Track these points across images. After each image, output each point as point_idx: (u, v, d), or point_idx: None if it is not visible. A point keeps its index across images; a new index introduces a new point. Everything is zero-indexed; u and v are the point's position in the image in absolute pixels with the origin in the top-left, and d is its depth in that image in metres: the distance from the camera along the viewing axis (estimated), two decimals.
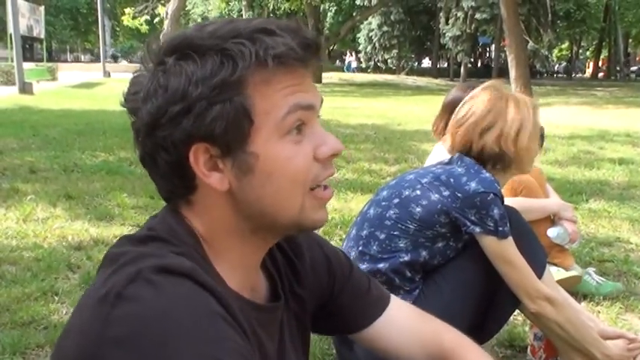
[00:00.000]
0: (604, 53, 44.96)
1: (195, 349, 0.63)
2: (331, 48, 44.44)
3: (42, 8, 21.03)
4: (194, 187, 0.77)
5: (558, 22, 35.24)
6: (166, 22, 13.85)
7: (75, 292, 2.52)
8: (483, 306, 1.73)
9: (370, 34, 38.54)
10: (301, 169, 0.77)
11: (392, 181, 1.91)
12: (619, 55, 38.89)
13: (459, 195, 1.68)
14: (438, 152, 2.59)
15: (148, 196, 4.03)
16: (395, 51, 39.26)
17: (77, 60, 54.00)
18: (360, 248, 1.76)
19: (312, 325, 1.02)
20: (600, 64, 45.23)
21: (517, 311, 1.83)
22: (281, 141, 0.75)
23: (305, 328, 0.98)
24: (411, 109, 13.56)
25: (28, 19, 18.68)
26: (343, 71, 36.74)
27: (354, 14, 31.85)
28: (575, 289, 2.59)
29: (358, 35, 40.26)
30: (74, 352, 0.67)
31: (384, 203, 1.79)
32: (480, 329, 1.68)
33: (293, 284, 0.95)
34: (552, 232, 2.58)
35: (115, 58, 48.43)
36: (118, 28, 47.31)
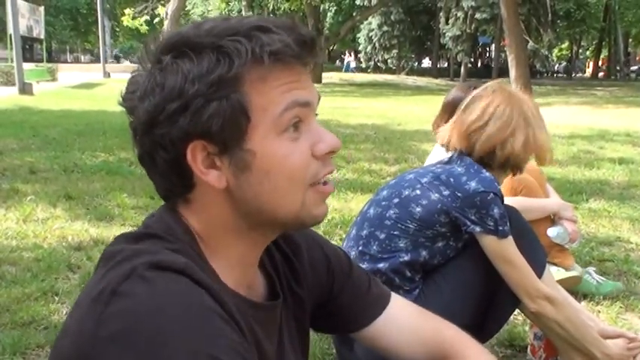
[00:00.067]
0: (604, 53, 44.95)
1: (190, 346, 0.63)
2: (331, 48, 44.44)
3: (42, 9, 21.03)
4: (192, 185, 0.78)
5: (558, 21, 35.24)
6: (166, 23, 13.83)
7: (75, 293, 2.52)
8: (483, 305, 1.74)
9: (370, 34, 38.54)
10: (298, 167, 0.77)
11: (392, 181, 1.92)
12: (619, 55, 38.87)
13: (459, 194, 1.68)
14: (438, 152, 2.59)
15: (147, 196, 4.03)
16: (395, 51, 39.26)
17: (77, 60, 54.08)
18: (360, 248, 1.76)
19: (313, 324, 1.01)
20: (600, 63, 45.21)
21: (517, 311, 1.83)
22: (278, 138, 0.75)
23: (304, 328, 0.98)
24: (411, 109, 13.55)
25: (27, 20, 18.67)
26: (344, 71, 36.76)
27: (354, 14, 31.83)
28: (575, 288, 2.59)
29: (358, 35, 40.26)
30: (70, 350, 0.68)
31: (384, 203, 1.79)
32: (480, 329, 1.68)
33: (291, 283, 0.95)
34: (552, 232, 2.58)
35: (117, 59, 48.39)
36: (117, 29, 47.32)
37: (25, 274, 2.71)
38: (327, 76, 27.38)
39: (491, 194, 1.66)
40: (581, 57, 54.42)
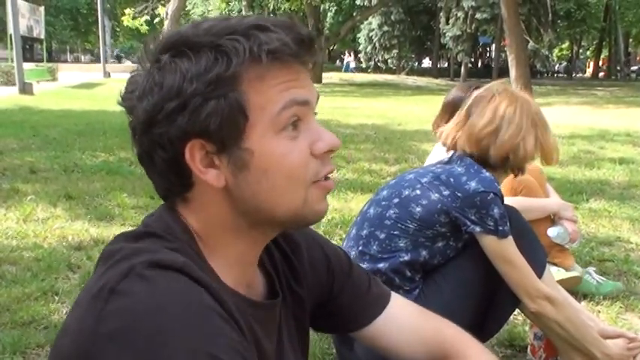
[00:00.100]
0: (604, 53, 44.93)
1: (189, 345, 0.63)
2: (331, 48, 44.43)
3: (42, 9, 21.02)
4: (191, 184, 0.78)
5: (559, 21, 35.22)
6: (166, 23, 13.83)
7: (75, 292, 2.52)
8: (483, 305, 1.74)
9: (370, 34, 38.52)
10: (297, 165, 0.77)
11: (392, 181, 1.91)
12: (619, 55, 38.86)
13: (459, 194, 1.68)
14: (438, 152, 2.59)
15: (148, 196, 4.03)
16: (395, 51, 39.24)
17: (77, 60, 54.04)
18: (360, 248, 1.76)
19: (312, 323, 1.01)
20: (601, 63, 45.19)
21: (517, 311, 1.83)
22: (276, 137, 0.75)
23: (304, 327, 0.98)
24: (411, 109, 13.55)
25: (28, 20, 18.67)
26: (343, 71, 36.76)
27: (354, 14, 31.81)
28: (575, 288, 2.59)
29: (358, 35, 40.24)
30: (70, 348, 0.68)
31: (384, 203, 1.79)
32: (480, 329, 1.68)
33: (291, 282, 0.95)
34: (552, 232, 2.58)
35: (119, 59, 48.30)
36: (118, 29, 47.30)
37: (25, 273, 2.71)
38: (327, 76, 27.38)
39: (491, 194, 1.66)
40: (581, 57, 54.40)
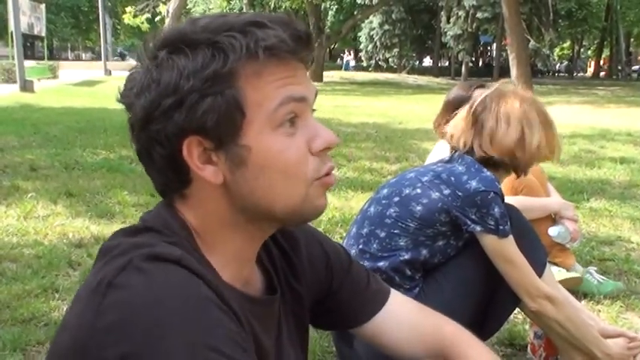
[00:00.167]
0: (605, 52, 44.88)
1: (187, 338, 0.63)
2: (332, 47, 44.40)
3: (43, 6, 21.01)
4: (188, 180, 0.78)
5: (560, 21, 35.22)
6: (167, 21, 13.82)
7: (75, 290, 2.49)
8: (483, 304, 1.74)
9: (371, 33, 38.51)
10: (294, 162, 0.77)
11: (392, 180, 1.91)
12: (620, 55, 38.83)
13: (460, 193, 1.68)
14: (439, 150, 2.59)
15: (148, 193, 4.03)
16: (396, 50, 39.23)
17: (78, 58, 54.01)
18: (361, 246, 1.76)
19: (312, 321, 1.02)
20: (602, 63, 45.16)
21: (517, 309, 1.83)
22: (273, 133, 0.75)
23: (303, 324, 0.98)
24: (412, 107, 13.55)
25: (29, 17, 18.66)
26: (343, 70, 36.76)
27: (355, 13, 31.77)
28: (575, 288, 2.59)
29: (359, 34, 40.23)
30: (68, 343, 0.68)
31: (384, 201, 1.79)
32: (480, 327, 1.68)
33: (289, 278, 0.95)
34: (553, 231, 2.58)
35: (122, 57, 48.15)
36: (118, 27, 47.20)
37: (26, 270, 2.72)
38: (328, 75, 27.36)
39: (492, 193, 1.66)
40: (582, 56, 54.36)
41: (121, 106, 0.79)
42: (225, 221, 0.80)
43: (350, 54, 41.82)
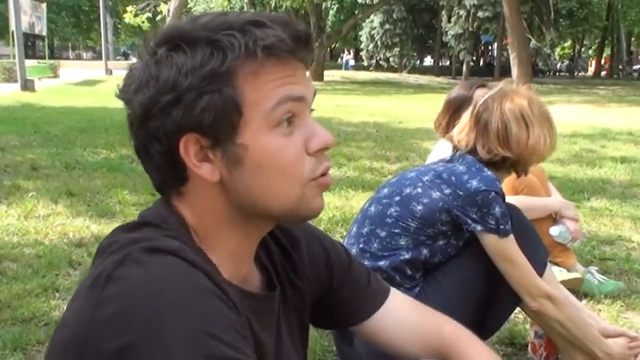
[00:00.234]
0: (606, 52, 44.86)
1: (187, 328, 0.64)
2: (333, 46, 44.40)
3: (44, 5, 21.03)
4: (186, 177, 0.78)
5: (561, 20, 35.19)
6: (168, 20, 13.84)
7: (75, 289, 2.52)
8: (484, 304, 1.73)
9: (372, 32, 38.51)
10: (291, 162, 0.77)
11: (393, 179, 1.91)
12: (621, 54, 38.80)
13: (461, 193, 1.67)
14: (440, 150, 2.59)
15: (149, 193, 4.03)
16: (397, 49, 39.22)
17: (79, 57, 54.04)
18: (361, 246, 1.76)
19: (311, 319, 1.02)
20: (603, 62, 45.14)
21: (518, 309, 1.83)
22: (271, 133, 0.76)
23: (304, 321, 0.98)
24: (413, 107, 13.54)
25: (30, 17, 18.67)
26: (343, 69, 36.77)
27: (356, 12, 31.77)
28: (576, 288, 2.58)
29: (360, 33, 40.22)
30: (68, 337, 0.68)
31: (385, 201, 1.79)
32: (480, 327, 1.68)
33: (290, 275, 0.95)
34: (554, 231, 2.57)
35: (125, 56, 48.06)
36: (119, 26, 47.22)
37: (26, 270, 2.72)
38: (329, 74, 27.36)
39: (493, 193, 1.66)
40: (583, 56, 54.35)
41: (121, 106, 0.79)
42: (222, 219, 0.80)
43: (349, 53, 41.83)
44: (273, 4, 27.24)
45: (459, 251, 1.75)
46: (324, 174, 0.80)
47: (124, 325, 0.64)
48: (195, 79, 0.72)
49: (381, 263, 1.71)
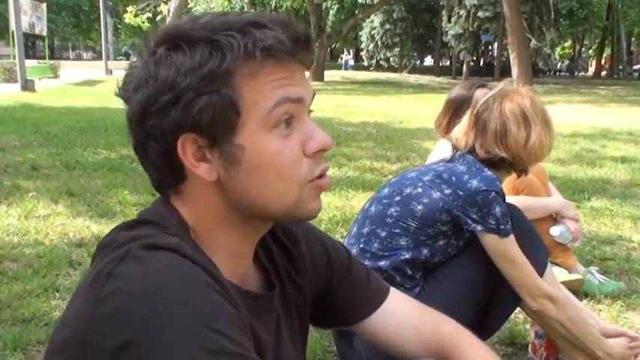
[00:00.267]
0: (607, 52, 44.85)
1: (187, 324, 0.64)
2: (333, 46, 44.39)
3: (44, 5, 21.03)
4: (183, 177, 0.78)
5: (561, 20, 35.18)
6: (168, 20, 13.85)
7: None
8: (484, 304, 1.73)
9: (372, 32, 38.49)
10: (289, 164, 0.77)
11: (393, 179, 1.91)
12: (622, 54, 38.79)
13: (461, 193, 1.67)
14: (440, 150, 2.59)
15: (149, 193, 4.03)
16: (397, 49, 39.21)
17: (79, 57, 54.04)
18: (362, 246, 1.76)
19: (310, 318, 1.02)
20: (603, 62, 45.13)
21: (518, 309, 1.83)
22: (268, 134, 0.76)
23: (304, 319, 0.99)
24: (413, 107, 13.53)
25: (30, 17, 18.68)
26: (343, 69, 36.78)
27: (356, 12, 31.77)
28: (577, 289, 2.58)
29: (360, 33, 40.21)
30: (68, 336, 0.68)
31: (385, 201, 1.79)
32: (480, 327, 1.68)
33: (291, 273, 0.95)
34: (555, 231, 2.57)
35: (127, 56, 48.03)
36: (119, 26, 47.24)
37: (27, 270, 2.72)
38: (329, 74, 27.36)
39: (493, 193, 1.66)
40: (583, 55, 54.34)
41: (122, 106, 0.80)
42: (219, 218, 0.80)
43: (349, 53, 41.84)
44: (273, 4, 27.25)
45: (459, 251, 1.75)
46: (321, 176, 0.80)
47: (123, 322, 0.64)
48: (193, 80, 0.72)
49: (382, 263, 1.71)
